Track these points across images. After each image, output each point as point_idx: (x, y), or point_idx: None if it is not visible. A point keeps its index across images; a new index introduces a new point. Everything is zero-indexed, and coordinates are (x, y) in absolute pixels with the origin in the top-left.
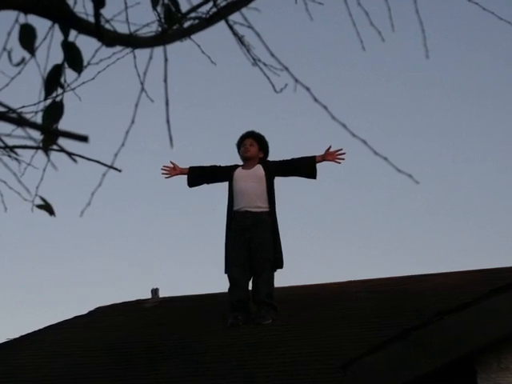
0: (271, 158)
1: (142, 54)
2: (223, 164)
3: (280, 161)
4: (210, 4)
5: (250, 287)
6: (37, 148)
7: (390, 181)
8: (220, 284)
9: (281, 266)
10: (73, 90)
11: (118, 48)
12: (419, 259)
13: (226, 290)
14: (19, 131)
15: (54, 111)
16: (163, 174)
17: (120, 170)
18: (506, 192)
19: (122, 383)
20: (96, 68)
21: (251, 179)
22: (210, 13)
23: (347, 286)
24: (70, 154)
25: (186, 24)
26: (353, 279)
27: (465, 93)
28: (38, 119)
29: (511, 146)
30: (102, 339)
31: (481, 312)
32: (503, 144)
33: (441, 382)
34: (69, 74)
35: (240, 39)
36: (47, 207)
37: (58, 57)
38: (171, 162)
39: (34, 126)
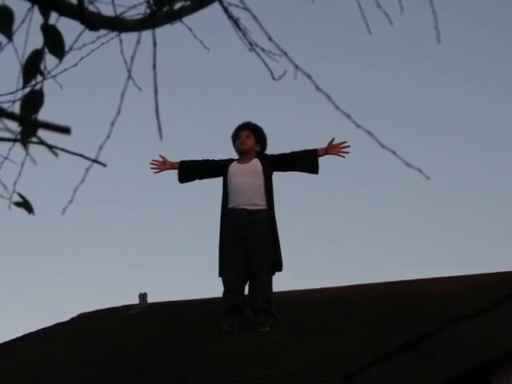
0: (269, 151)
1: (129, 38)
2: (217, 158)
3: (279, 154)
4: None
5: (247, 291)
6: (14, 140)
7: (398, 176)
8: (214, 288)
9: (280, 269)
10: (53, 77)
11: (103, 32)
12: (430, 261)
13: (221, 295)
14: None
15: (33, 100)
16: (152, 168)
17: (105, 165)
18: None
19: None
20: (79, 53)
21: (247, 174)
22: None
23: (352, 289)
24: (50, 147)
25: (177, 6)
26: (358, 283)
27: (480, 81)
28: (16, 109)
29: None
30: (85, 348)
31: (497, 319)
32: None
33: None
34: (49, 60)
35: (235, 22)
36: (25, 205)
37: (37, 41)
38: (160, 156)
39: (11, 116)
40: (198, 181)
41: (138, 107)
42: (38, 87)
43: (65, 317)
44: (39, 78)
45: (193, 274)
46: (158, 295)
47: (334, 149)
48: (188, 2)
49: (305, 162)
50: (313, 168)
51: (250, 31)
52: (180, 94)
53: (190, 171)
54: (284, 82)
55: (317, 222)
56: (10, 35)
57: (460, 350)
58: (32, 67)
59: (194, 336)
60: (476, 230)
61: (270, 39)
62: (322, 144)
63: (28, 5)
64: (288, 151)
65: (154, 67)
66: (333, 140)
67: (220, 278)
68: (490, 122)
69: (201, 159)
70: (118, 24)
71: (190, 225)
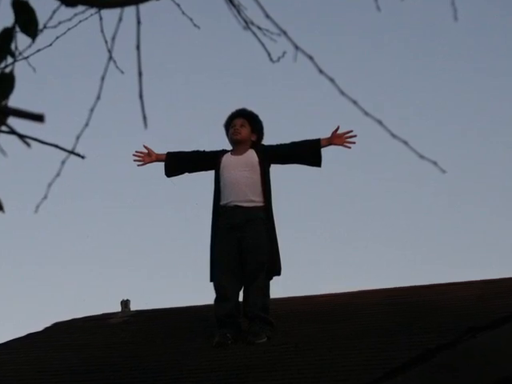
0: (266, 141)
1: (110, 15)
2: (208, 149)
3: (277, 145)
4: None
5: (241, 298)
6: None
7: (410, 169)
8: (205, 295)
9: (278, 273)
10: (26, 58)
11: (81, 8)
12: (446, 264)
13: (212, 302)
14: None
15: (3, 85)
16: (135, 161)
17: (83, 157)
18: None
19: None
20: (54, 32)
21: (242, 167)
22: None
23: (358, 296)
24: (22, 137)
25: None
26: (365, 288)
27: (502, 62)
28: None
29: None
30: (61, 361)
31: None
32: None
33: None
34: (21, 40)
35: None
36: None
37: (7, 19)
38: (145, 147)
39: None
40: (186, 174)
41: (120, 92)
42: (8, 70)
43: (38, 326)
44: (10, 59)
45: (181, 279)
46: (142, 302)
47: (338, 139)
48: None
49: (306, 153)
50: (315, 160)
51: (245, 7)
52: (167, 78)
53: (178, 164)
54: (283, 64)
55: (319, 221)
56: None
57: (480, 363)
58: (1, 48)
59: (183, 347)
60: (495, 230)
61: (268, 16)
62: (325, 133)
63: None
64: (287, 141)
65: (138, 48)
66: (337, 129)
67: (211, 284)
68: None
69: (190, 150)
70: None
71: (178, 224)
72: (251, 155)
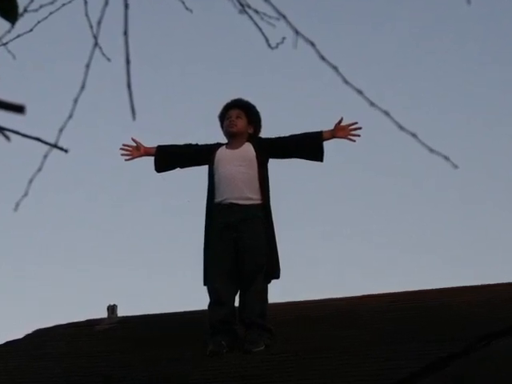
0: (264, 134)
1: None
2: (201, 142)
3: (276, 138)
4: None
5: (237, 303)
6: None
7: (419, 164)
8: (197, 299)
9: (277, 276)
10: (5, 44)
11: None
12: (457, 266)
13: (206, 307)
14: None
15: None
16: (123, 155)
17: (66, 150)
18: None
19: None
20: (35, 17)
21: (238, 162)
22: None
23: (363, 301)
24: (0, 130)
25: None
26: (370, 293)
27: None
28: None
29: None
30: (42, 370)
31: None
32: None
33: None
34: None
35: None
36: None
37: None
38: (133, 140)
39: None
40: (178, 169)
41: (106, 81)
42: None
43: (18, 333)
44: None
45: (172, 282)
46: (130, 307)
47: (342, 131)
48: None
49: (307, 147)
50: (317, 154)
51: None
52: (157, 66)
53: (169, 158)
54: (282, 50)
55: (320, 219)
56: None
57: (495, 373)
58: None
59: (174, 356)
60: (510, 230)
61: None
62: (327, 125)
63: None
64: (287, 134)
65: (126, 33)
66: (341, 121)
67: (205, 287)
68: None
69: (182, 144)
70: None
71: (169, 223)
72: (248, 149)
